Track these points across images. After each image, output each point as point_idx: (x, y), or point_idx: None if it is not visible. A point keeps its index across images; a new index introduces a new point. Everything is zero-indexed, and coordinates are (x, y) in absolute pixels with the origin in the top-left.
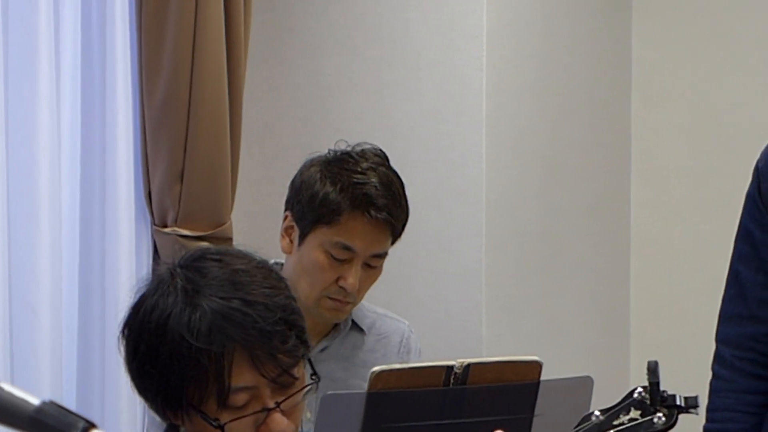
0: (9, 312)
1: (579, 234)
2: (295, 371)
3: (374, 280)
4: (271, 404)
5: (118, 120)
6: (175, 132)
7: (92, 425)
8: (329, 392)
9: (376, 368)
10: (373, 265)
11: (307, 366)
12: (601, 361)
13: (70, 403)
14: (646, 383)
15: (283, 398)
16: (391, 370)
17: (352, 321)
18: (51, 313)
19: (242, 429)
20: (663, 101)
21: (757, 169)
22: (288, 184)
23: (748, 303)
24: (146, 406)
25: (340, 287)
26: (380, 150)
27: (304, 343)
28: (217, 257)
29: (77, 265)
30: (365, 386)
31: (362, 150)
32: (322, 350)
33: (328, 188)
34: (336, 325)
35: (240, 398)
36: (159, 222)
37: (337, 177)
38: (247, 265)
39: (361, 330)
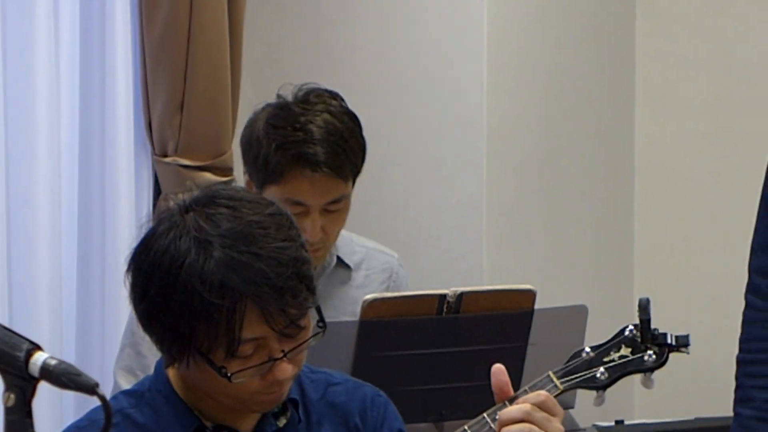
0: (7, 245)
1: (582, 163)
2: (303, 321)
3: (342, 221)
4: (279, 354)
5: (118, 51)
6: (175, 62)
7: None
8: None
9: (369, 296)
10: (333, 210)
11: (314, 312)
12: (604, 292)
13: (70, 338)
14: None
15: (290, 348)
16: (383, 299)
17: (338, 257)
18: (50, 244)
19: (248, 376)
20: (668, 28)
21: None
22: None
23: None
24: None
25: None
26: (327, 92)
27: (313, 292)
28: (230, 203)
29: (76, 194)
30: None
31: (305, 96)
32: None
33: (267, 148)
34: (321, 264)
35: (248, 348)
36: (159, 152)
37: (275, 135)
38: (260, 215)
39: (347, 266)
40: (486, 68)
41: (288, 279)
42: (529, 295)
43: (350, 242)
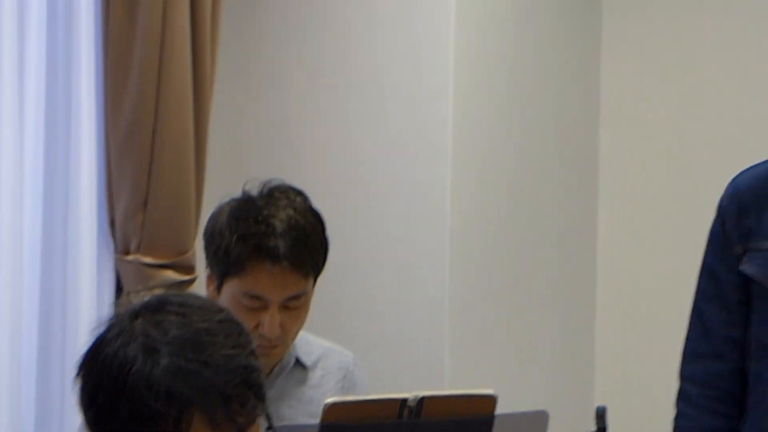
0: None
1: (545, 264)
2: (251, 429)
3: (302, 319)
4: None
5: (82, 147)
6: (139, 159)
7: None
8: (282, 424)
9: (330, 400)
10: (292, 307)
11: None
12: (565, 394)
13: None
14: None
15: None
16: (344, 403)
17: (296, 358)
18: (10, 340)
19: None
20: (631, 129)
21: (720, 206)
22: None
23: (712, 341)
24: None
25: (261, 334)
26: (291, 189)
27: (262, 400)
28: (179, 310)
29: (38, 292)
30: (314, 422)
31: (269, 191)
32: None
33: (229, 240)
34: (279, 363)
35: None
36: (122, 250)
37: (237, 227)
38: (209, 322)
39: (304, 366)
40: (450, 169)
41: (236, 387)
42: (490, 401)
43: (307, 342)
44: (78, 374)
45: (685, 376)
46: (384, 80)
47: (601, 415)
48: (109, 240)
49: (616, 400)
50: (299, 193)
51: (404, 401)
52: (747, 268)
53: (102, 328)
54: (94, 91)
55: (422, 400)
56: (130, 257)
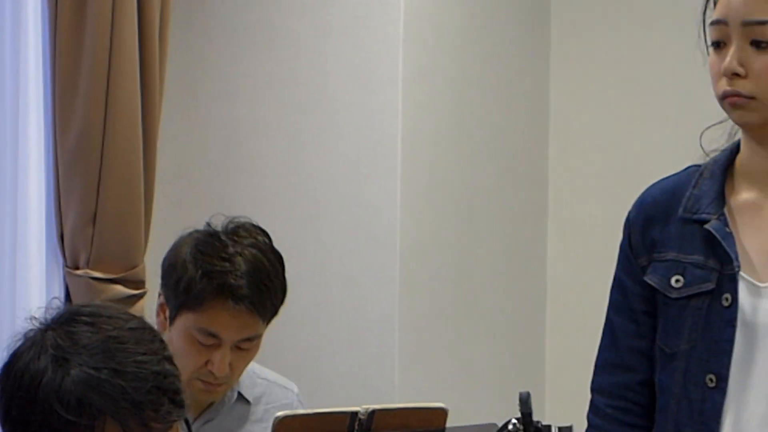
0: None
1: (494, 281)
2: None
3: (249, 359)
4: None
5: (31, 161)
6: (87, 174)
7: None
8: None
9: (280, 413)
10: (244, 348)
11: (183, 426)
12: (515, 408)
13: None
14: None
15: None
16: (294, 416)
17: (239, 393)
18: None
19: None
20: (579, 150)
21: (628, 219)
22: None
23: (620, 352)
24: None
25: (209, 371)
26: (256, 228)
27: (179, 405)
28: (90, 320)
29: None
30: None
31: (235, 228)
32: (205, 423)
33: (192, 274)
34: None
35: None
36: (71, 264)
37: (201, 262)
38: (120, 330)
39: (247, 401)
40: (399, 186)
41: (147, 393)
42: (441, 413)
43: (251, 375)
44: None
45: (594, 387)
46: (334, 96)
47: (524, 400)
48: (58, 254)
49: (566, 413)
50: (264, 233)
51: (355, 414)
52: (650, 278)
53: (17, 343)
54: (42, 105)
55: (373, 413)
56: (80, 272)
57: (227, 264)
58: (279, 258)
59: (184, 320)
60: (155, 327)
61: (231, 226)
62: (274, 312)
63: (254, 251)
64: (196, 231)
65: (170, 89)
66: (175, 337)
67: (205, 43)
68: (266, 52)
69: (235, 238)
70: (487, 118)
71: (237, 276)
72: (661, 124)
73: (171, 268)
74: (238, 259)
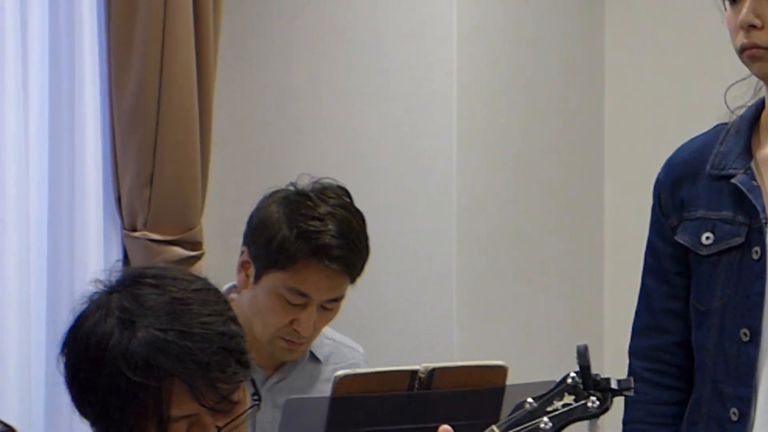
0: None
1: (552, 238)
2: (235, 396)
3: (331, 319)
4: (213, 430)
5: (87, 124)
6: (144, 136)
7: (11, 429)
8: (293, 396)
9: (340, 372)
10: (329, 308)
11: (250, 385)
12: (574, 368)
13: (39, 416)
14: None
15: (224, 423)
16: (355, 375)
17: (310, 352)
18: (19, 319)
19: None
20: (636, 103)
21: (657, 181)
22: (257, 188)
23: (654, 314)
24: None
25: (294, 330)
26: (341, 189)
27: (245, 365)
28: (154, 282)
29: (45, 269)
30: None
31: (323, 189)
32: (279, 381)
33: (285, 233)
34: None
35: (180, 426)
36: (129, 226)
37: (294, 221)
38: (185, 291)
39: (318, 360)
40: (456, 145)
41: (214, 354)
42: (501, 371)
43: (320, 335)
44: (60, 353)
45: (631, 351)
46: (387, 55)
47: (582, 353)
48: (116, 217)
49: (625, 370)
50: (348, 193)
51: (415, 373)
52: (681, 237)
53: (82, 306)
54: (98, 68)
55: (433, 372)
56: (138, 233)
57: (320, 223)
58: (363, 218)
59: (273, 279)
60: (220, 288)
61: (318, 186)
62: (360, 271)
63: (343, 212)
64: (282, 190)
65: (224, 50)
66: (261, 295)
67: (258, 5)
68: (319, 13)
69: (324, 197)
70: (543, 73)
71: (331, 235)
72: (717, 78)
73: (260, 226)
74: (330, 219)
